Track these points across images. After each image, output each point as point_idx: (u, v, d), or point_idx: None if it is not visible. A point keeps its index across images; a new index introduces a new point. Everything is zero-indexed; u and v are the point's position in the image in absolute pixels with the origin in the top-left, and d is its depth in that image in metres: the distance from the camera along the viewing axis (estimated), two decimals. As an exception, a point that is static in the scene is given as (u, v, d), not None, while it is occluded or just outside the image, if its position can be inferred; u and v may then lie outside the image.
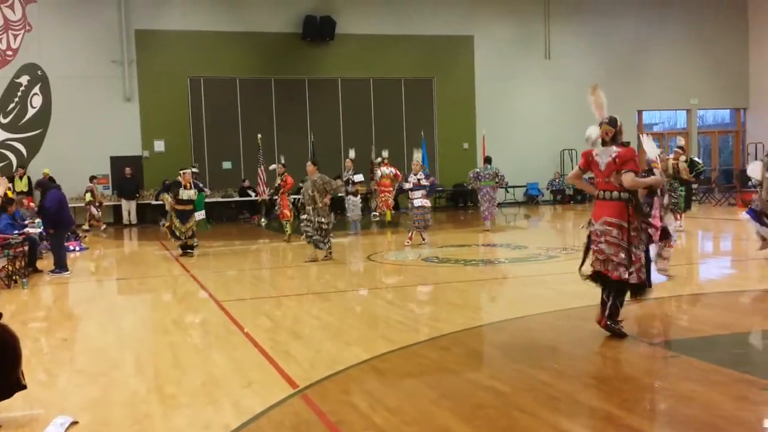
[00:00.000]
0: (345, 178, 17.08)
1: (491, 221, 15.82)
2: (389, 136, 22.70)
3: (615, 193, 5.77)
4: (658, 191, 7.12)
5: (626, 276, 5.73)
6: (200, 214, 12.71)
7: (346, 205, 17.28)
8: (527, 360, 5.45)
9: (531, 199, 24.11)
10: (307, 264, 11.16)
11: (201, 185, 13.15)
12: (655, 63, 24.90)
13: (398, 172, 17.03)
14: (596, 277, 5.97)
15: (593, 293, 8.21)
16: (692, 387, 4.63)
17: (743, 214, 10.65)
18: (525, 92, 24.07)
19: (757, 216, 10.17)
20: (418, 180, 13.31)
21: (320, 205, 11.10)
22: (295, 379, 5.03)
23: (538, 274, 9.79)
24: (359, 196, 17.55)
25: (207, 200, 20.41)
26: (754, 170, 11.19)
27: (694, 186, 13.83)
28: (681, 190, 13.62)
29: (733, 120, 26.54)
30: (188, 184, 12.44)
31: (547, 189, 24.47)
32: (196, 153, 21.61)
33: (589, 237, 5.97)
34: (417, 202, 13.18)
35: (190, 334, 6.90)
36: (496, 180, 15.64)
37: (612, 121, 5.80)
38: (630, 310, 6.96)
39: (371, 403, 4.49)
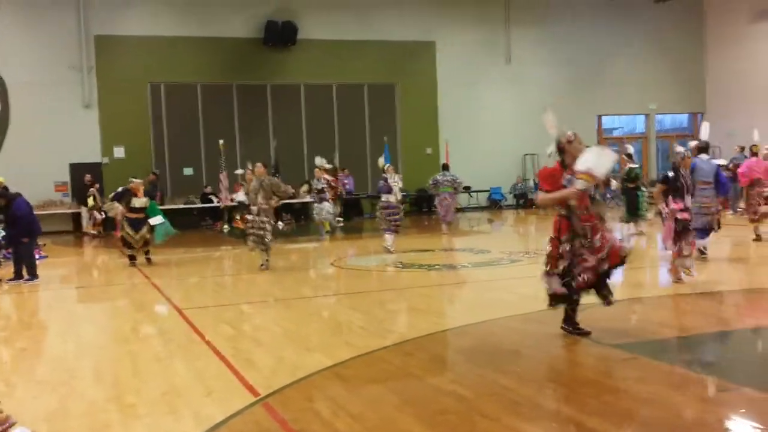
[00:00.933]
0: (316, 186, 16.83)
1: (449, 225, 16.11)
2: (352, 141, 22.71)
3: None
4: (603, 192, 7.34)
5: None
6: (157, 220, 12.37)
7: (316, 209, 16.99)
8: (490, 364, 5.47)
9: (494, 204, 24.28)
10: (269, 271, 11.07)
11: (152, 193, 13.10)
12: (614, 68, 25.29)
13: (334, 181, 16.93)
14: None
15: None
16: (652, 389, 4.68)
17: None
18: (487, 97, 24.26)
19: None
20: (392, 182, 13.03)
21: (265, 206, 10.85)
22: (256, 388, 4.98)
23: (500, 278, 9.85)
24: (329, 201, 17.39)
25: (168, 207, 20.31)
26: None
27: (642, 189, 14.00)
28: (639, 194, 13.85)
29: (690, 124, 27.05)
30: (139, 192, 12.20)
31: (510, 193, 24.67)
32: (157, 159, 21.35)
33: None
34: (393, 199, 12.97)
35: (150, 342, 6.79)
36: (454, 186, 15.98)
37: (555, 141, 5.97)
38: (590, 313, 7.04)
39: (334, 410, 4.46)
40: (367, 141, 23.15)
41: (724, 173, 10.97)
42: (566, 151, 5.89)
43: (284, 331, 6.94)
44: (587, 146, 5.97)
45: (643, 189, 14.02)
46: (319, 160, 16.71)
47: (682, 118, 27.23)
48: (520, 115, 24.03)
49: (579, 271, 5.82)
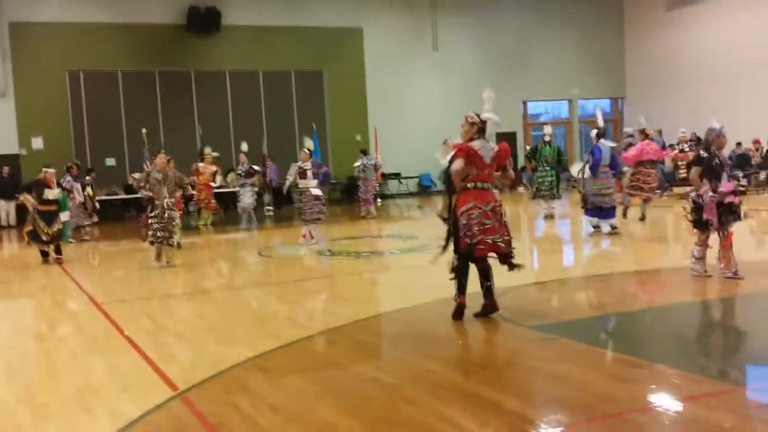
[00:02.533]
0: (239, 171, 16.62)
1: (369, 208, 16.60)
2: (280, 128, 22.45)
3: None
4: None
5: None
6: (67, 215, 11.76)
7: (240, 197, 16.74)
8: (414, 350, 5.50)
9: (424, 190, 24.43)
10: (194, 262, 10.86)
11: (65, 185, 12.17)
12: (538, 55, 25.72)
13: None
14: (482, 259, 6.05)
15: (478, 281, 8.39)
16: (568, 368, 4.79)
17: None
18: (415, 84, 24.34)
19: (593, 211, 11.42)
20: (305, 170, 12.16)
21: (173, 199, 10.46)
22: (176, 382, 4.87)
23: (427, 263, 9.89)
24: (255, 187, 17.16)
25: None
26: (574, 170, 12.35)
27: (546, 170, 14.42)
28: (551, 175, 14.24)
29: (612, 109, 27.77)
30: (52, 183, 11.44)
31: (440, 179, 24.82)
32: (78, 149, 20.65)
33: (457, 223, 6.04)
34: (314, 191, 12.12)
35: (66, 339, 6.57)
36: (376, 169, 16.75)
37: (478, 115, 6.14)
38: (509, 295, 7.16)
39: (254, 403, 4.40)
40: (295, 128, 22.93)
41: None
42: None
43: (207, 324, 6.82)
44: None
45: (548, 169, 14.28)
46: (208, 150, 16.38)
47: (605, 103, 27.92)
48: (448, 101, 24.19)
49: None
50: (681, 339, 5.67)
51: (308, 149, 12.68)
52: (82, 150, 20.75)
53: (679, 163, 17.49)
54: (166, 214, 10.19)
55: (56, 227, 11.35)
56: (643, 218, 13.13)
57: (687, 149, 17.64)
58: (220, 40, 21.85)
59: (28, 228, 11.41)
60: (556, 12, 25.91)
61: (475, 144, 6.00)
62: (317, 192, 12.20)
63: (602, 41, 26.59)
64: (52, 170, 11.59)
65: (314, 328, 6.29)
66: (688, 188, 17.20)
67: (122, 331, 6.51)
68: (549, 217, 14.27)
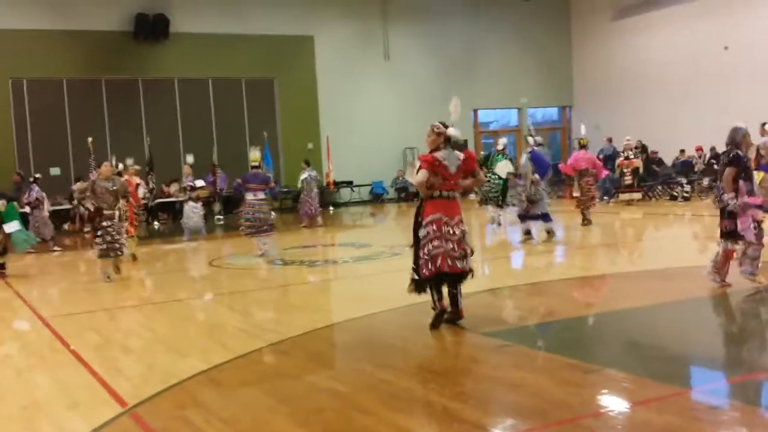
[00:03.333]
0: (184, 185, 16.32)
1: (313, 220, 16.46)
2: (231, 137, 22.20)
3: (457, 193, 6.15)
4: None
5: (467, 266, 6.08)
6: (13, 226, 10.95)
7: (185, 213, 16.48)
8: (368, 359, 5.47)
9: (376, 198, 24.45)
10: (144, 273, 10.65)
11: (10, 195, 11.47)
12: (488, 63, 26.00)
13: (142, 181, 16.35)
14: (440, 277, 6.05)
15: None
16: (522, 374, 4.82)
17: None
18: (367, 92, 24.36)
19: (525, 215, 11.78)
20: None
21: (123, 209, 10.30)
22: (124, 397, 4.75)
23: (381, 271, 9.91)
24: (200, 201, 16.90)
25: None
26: (501, 169, 12.68)
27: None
28: (500, 183, 14.44)
29: (560, 117, 28.25)
30: None
31: (392, 187, 24.91)
32: (20, 159, 20.11)
33: (423, 237, 6.04)
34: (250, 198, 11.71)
35: (9, 355, 6.36)
36: (317, 180, 16.81)
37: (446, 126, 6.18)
38: (464, 303, 7.19)
39: (205, 417, 4.32)
40: (246, 137, 22.72)
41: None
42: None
43: (156, 336, 6.68)
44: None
45: (497, 177, 14.47)
46: (129, 161, 15.98)
47: (553, 112, 28.38)
48: (399, 110, 24.31)
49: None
50: (631, 343, 5.76)
51: (253, 161, 12.24)
52: (26, 159, 20.22)
53: (625, 170, 17.89)
54: (117, 225, 9.93)
55: None
56: (587, 223, 13.36)
57: (632, 156, 18.06)
58: (168, 48, 21.55)
59: None
60: (505, 21, 26.25)
61: (440, 154, 6.04)
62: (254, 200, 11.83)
63: (550, 50, 27.03)
64: None
65: (267, 339, 6.21)
66: (633, 194, 17.80)
67: (68, 346, 6.33)
68: (497, 224, 14.42)
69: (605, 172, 15.51)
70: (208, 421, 4.25)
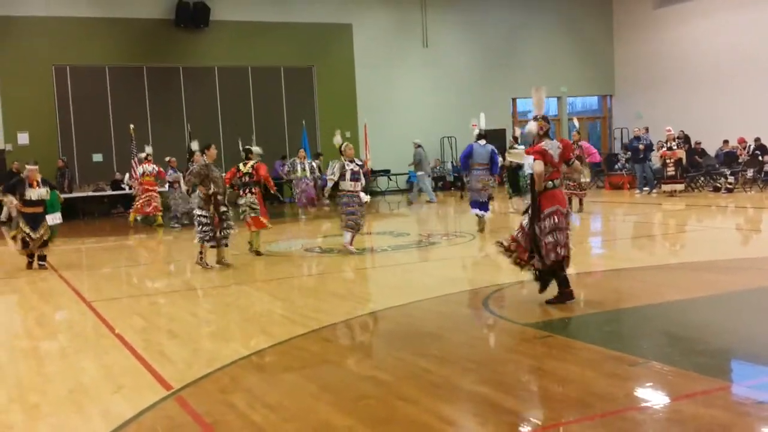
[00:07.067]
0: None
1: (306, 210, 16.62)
2: (270, 125, 22.36)
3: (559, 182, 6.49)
4: None
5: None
6: (55, 217, 10.41)
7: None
8: (409, 347, 5.48)
9: (413, 187, 24.36)
10: (183, 259, 10.75)
11: (54, 183, 10.99)
12: (527, 51, 25.71)
13: (161, 170, 16.11)
14: (561, 264, 6.38)
15: (472, 279, 8.40)
16: (565, 366, 4.78)
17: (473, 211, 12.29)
18: (405, 80, 24.29)
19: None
20: (356, 169, 10.36)
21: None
22: (169, 381, 4.82)
23: (419, 260, 9.90)
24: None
25: (78, 194, 19.52)
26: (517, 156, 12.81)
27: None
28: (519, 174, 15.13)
29: (600, 106, 27.84)
30: (35, 182, 10.13)
31: (429, 176, 24.80)
32: (64, 145, 20.49)
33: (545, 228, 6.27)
34: (364, 197, 10.42)
35: (56, 338, 6.50)
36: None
37: (546, 118, 6.65)
38: (504, 293, 7.16)
39: (249, 401, 4.36)
40: (285, 124, 22.85)
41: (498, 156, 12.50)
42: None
43: (200, 322, 6.77)
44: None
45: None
46: (149, 149, 16.05)
47: (593, 101, 27.99)
48: (437, 98, 24.19)
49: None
50: (675, 336, 5.67)
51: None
52: (69, 146, 20.60)
53: (668, 160, 17.58)
54: (229, 213, 9.79)
55: (41, 231, 10.21)
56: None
57: (675, 147, 17.73)
58: (208, 36, 21.72)
59: (13, 233, 10.35)
60: (545, 9, 25.92)
61: (545, 145, 6.38)
62: (366, 198, 10.56)
63: (591, 38, 26.63)
64: (33, 167, 10.27)
65: (308, 326, 6.24)
66: (676, 185, 17.49)
67: (113, 330, 6.45)
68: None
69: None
70: (252, 406, 4.29)
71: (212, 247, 9.70)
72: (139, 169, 16.08)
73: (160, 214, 16.08)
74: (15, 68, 19.68)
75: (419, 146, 19.68)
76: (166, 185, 16.34)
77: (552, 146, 6.38)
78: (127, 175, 17.32)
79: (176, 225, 15.47)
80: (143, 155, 16.17)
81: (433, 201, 19.44)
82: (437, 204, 19.50)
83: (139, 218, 16.27)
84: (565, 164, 6.55)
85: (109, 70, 21.04)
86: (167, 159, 16.60)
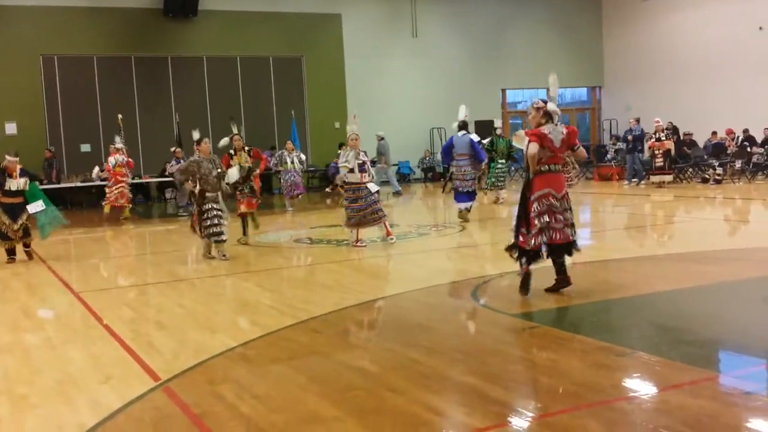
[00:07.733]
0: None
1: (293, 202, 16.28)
2: (259, 115, 22.29)
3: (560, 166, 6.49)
4: None
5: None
6: (37, 206, 10.22)
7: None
8: (397, 338, 5.48)
9: (403, 177, 24.38)
10: (173, 251, 10.74)
11: (34, 173, 10.79)
12: (517, 42, 25.71)
13: (130, 160, 16.22)
14: (552, 248, 6.34)
15: (460, 270, 8.40)
16: (553, 356, 4.80)
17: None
18: (394, 71, 24.24)
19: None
20: (363, 162, 10.15)
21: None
22: (157, 372, 4.81)
23: (408, 251, 9.90)
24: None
25: (65, 185, 19.40)
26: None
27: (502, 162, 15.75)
28: (506, 167, 15.95)
29: (589, 98, 27.90)
30: (14, 173, 9.99)
31: (419, 167, 24.83)
32: (52, 135, 20.37)
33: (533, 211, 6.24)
34: (373, 187, 10.11)
35: (44, 328, 6.48)
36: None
37: (545, 101, 6.54)
38: (491, 284, 7.17)
39: (237, 392, 4.36)
40: (274, 115, 22.78)
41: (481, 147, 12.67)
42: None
43: (188, 313, 6.74)
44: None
45: (503, 161, 15.65)
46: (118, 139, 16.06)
47: (582, 92, 28.04)
48: (426, 89, 24.18)
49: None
50: (663, 327, 5.70)
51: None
52: (57, 136, 20.48)
53: (656, 151, 17.64)
54: (221, 208, 9.48)
55: (20, 222, 10.09)
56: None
57: (663, 138, 17.79)
58: (197, 25, 21.61)
59: None
60: (535, 0, 25.91)
61: (545, 128, 6.29)
62: (376, 188, 10.22)
63: (580, 30, 26.66)
64: (14, 158, 10.07)
65: (296, 317, 6.23)
66: (665, 176, 17.56)
67: (101, 320, 6.42)
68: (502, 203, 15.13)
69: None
70: (240, 397, 4.28)
71: (216, 242, 9.49)
72: (111, 160, 16.02)
73: (129, 207, 16.22)
74: (2, 58, 19.56)
75: (382, 139, 19.61)
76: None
77: (554, 131, 6.31)
78: (96, 168, 17.33)
79: (184, 214, 15.54)
80: (117, 146, 16.11)
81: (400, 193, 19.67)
82: (427, 195, 19.50)
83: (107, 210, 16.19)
84: (570, 150, 6.59)
85: (97, 60, 20.91)
86: (172, 149, 16.58)
